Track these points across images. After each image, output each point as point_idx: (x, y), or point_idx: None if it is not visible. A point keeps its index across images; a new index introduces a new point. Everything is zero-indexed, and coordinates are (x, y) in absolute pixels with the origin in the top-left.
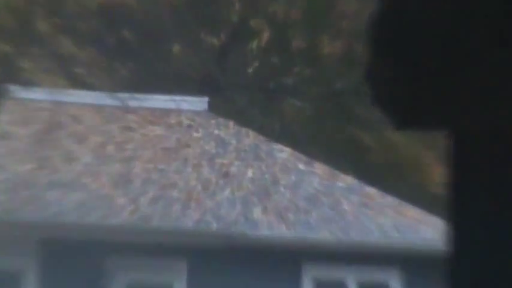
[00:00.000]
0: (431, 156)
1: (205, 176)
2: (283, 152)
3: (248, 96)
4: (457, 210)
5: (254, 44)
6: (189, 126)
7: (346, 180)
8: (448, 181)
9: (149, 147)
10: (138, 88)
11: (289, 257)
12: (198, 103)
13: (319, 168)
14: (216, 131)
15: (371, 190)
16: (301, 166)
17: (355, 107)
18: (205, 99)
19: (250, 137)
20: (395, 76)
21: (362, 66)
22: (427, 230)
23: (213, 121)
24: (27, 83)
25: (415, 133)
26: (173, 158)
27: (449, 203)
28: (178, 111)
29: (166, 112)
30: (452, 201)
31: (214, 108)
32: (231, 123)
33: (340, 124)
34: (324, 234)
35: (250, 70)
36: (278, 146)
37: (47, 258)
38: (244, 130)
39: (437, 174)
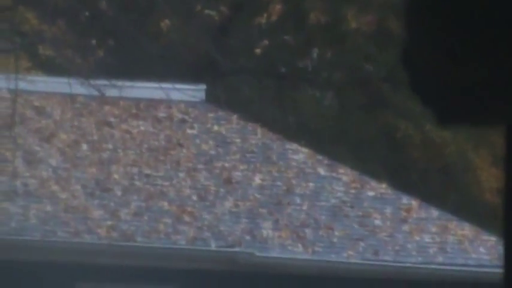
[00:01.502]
0: (483, 156)
1: (202, 183)
2: (299, 153)
3: (255, 84)
4: None
5: (263, 19)
6: (182, 120)
7: (378, 189)
8: (503, 186)
9: (132, 147)
10: (118, 73)
11: (307, 284)
12: (193, 92)
13: (344, 173)
14: (215, 127)
15: (409, 201)
16: (321, 171)
17: (388, 96)
18: (202, 87)
19: (258, 135)
20: (440, 61)
21: (398, 46)
22: (479, 251)
23: (211, 114)
24: None
25: (463, 129)
26: (162, 160)
27: (504, 213)
28: (169, 103)
29: (154, 103)
30: (508, 211)
31: (213, 99)
32: (234, 118)
33: (370, 118)
34: (350, 256)
35: (257, 51)
36: (293, 146)
37: (4, 284)
38: (250, 126)
39: (491, 178)
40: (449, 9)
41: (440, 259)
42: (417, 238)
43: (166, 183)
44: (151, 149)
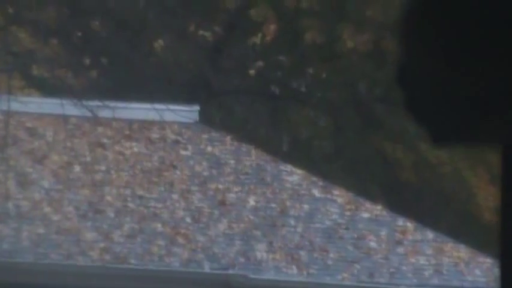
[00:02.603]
0: (480, 175)
1: (196, 205)
2: (294, 175)
3: (249, 105)
4: (510, 239)
5: (257, 39)
6: (176, 142)
7: (373, 210)
8: (499, 205)
9: (125, 169)
10: (111, 94)
11: None
12: (186, 113)
13: (339, 194)
14: (209, 148)
15: (405, 222)
16: (316, 192)
17: (384, 116)
18: (196, 108)
19: (252, 156)
20: (435, 79)
21: (393, 65)
22: (475, 274)
23: (205, 135)
24: None
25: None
26: (155, 182)
27: (500, 233)
28: (162, 124)
29: (147, 124)
30: (504, 230)
31: (207, 120)
32: (228, 139)
33: (366, 138)
34: (345, 279)
35: (252, 71)
36: (287, 167)
37: None
38: (244, 147)
39: (489, 197)
40: (444, 27)
41: (435, 281)
42: (412, 260)
43: (160, 205)
44: (145, 171)
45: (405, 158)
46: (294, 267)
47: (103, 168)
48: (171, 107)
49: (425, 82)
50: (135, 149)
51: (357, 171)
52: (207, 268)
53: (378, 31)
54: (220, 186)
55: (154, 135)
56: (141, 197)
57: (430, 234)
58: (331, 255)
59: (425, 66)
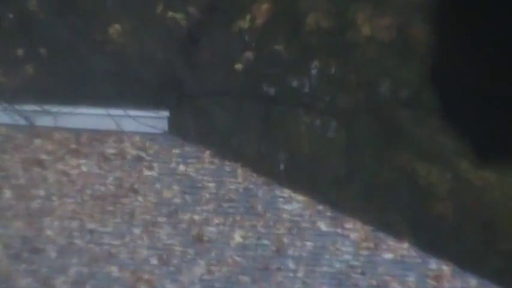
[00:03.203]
0: None
1: (164, 242)
2: (293, 202)
3: (235, 110)
4: None
5: (245, 22)
6: (137, 158)
7: (397, 249)
8: None
9: (71, 194)
10: (53, 96)
11: None
12: (152, 121)
13: (353, 228)
14: (181, 167)
15: (439, 265)
16: (322, 225)
17: (412, 127)
18: (164, 114)
19: (238, 178)
20: (483, 79)
21: (423, 59)
22: None
23: (176, 150)
24: None
25: (508, 168)
26: (110, 211)
27: None
28: (120, 135)
29: (100, 136)
30: None
31: (178, 130)
32: (207, 155)
33: (388, 156)
34: None
35: (238, 66)
36: (284, 192)
37: None
38: (228, 165)
39: None
40: (497, 7)
41: None
42: None
43: (117, 242)
44: (97, 197)
45: (440, 182)
46: None
47: (41, 193)
48: (132, 112)
49: (467, 83)
50: (84, 168)
51: (376, 198)
52: None
53: (402, 13)
54: (196, 217)
55: (110, 150)
56: (91, 231)
57: (472, 281)
58: None
59: (468, 61)
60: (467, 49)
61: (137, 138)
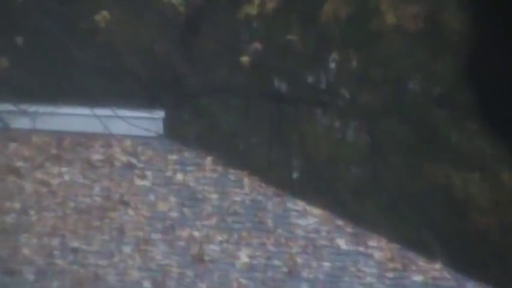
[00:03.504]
0: None
1: (159, 262)
2: (309, 216)
3: (241, 109)
4: None
5: (253, 9)
6: (128, 166)
7: (429, 271)
8: None
9: (51, 207)
10: (31, 94)
11: None
12: (145, 122)
13: (377, 246)
14: (179, 176)
15: None
16: (342, 243)
17: (446, 129)
18: (160, 114)
19: (244, 187)
20: None
21: (458, 53)
22: None
23: (173, 156)
24: None
25: None
26: (97, 227)
27: None
28: (108, 139)
29: (86, 140)
30: None
31: (176, 133)
32: (208, 161)
33: (419, 163)
34: None
35: (245, 59)
36: (298, 205)
37: None
38: (233, 174)
39: None
40: None
41: None
42: None
43: (104, 262)
44: (81, 210)
45: (480, 193)
46: None
47: (17, 206)
48: (121, 113)
49: (508, 79)
50: (67, 177)
51: (404, 211)
52: None
53: (433, 1)
54: (196, 234)
55: (96, 156)
56: (75, 250)
57: None
58: None
59: (508, 55)
60: (509, 39)
61: (128, 142)
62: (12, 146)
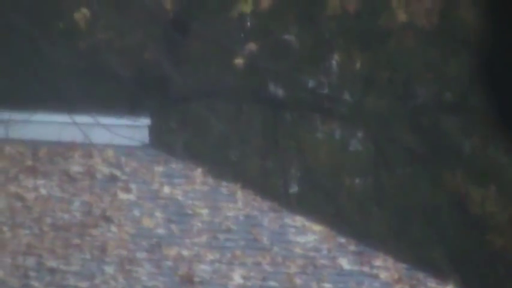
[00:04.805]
0: None
1: (145, 284)
2: (308, 233)
3: (235, 116)
4: None
5: (246, 5)
6: (111, 178)
7: None
8: None
9: (26, 224)
10: (3, 99)
11: None
12: (129, 131)
13: (384, 266)
14: (166, 189)
15: None
16: (344, 262)
17: (460, 137)
18: (145, 121)
19: (238, 202)
20: None
21: (472, 53)
22: None
23: (159, 168)
24: None
25: None
26: (77, 245)
27: None
28: (88, 148)
29: (64, 150)
30: None
31: (162, 142)
32: (198, 173)
33: (426, 172)
34: None
35: (238, 61)
36: (297, 221)
37: None
38: (225, 186)
39: None
40: None
41: None
42: None
43: (84, 284)
44: (59, 227)
45: (499, 209)
46: None
47: None
48: (103, 120)
49: None
50: (43, 191)
51: (412, 228)
52: None
53: None
54: (185, 253)
55: (76, 168)
56: (52, 271)
57: None
58: None
59: None
60: None
61: (110, 152)
62: None
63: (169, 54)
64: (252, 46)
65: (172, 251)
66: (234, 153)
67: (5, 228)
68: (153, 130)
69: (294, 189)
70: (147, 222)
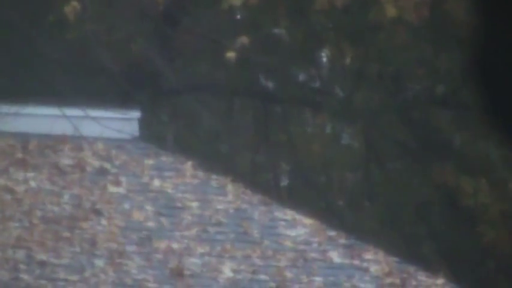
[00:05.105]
0: None
1: (135, 277)
2: (299, 227)
3: (225, 109)
4: None
5: (237, 0)
6: (101, 171)
7: (429, 286)
8: None
9: (16, 217)
10: None
11: None
12: (119, 123)
13: (374, 259)
14: (156, 182)
15: None
16: (335, 256)
17: (451, 131)
18: (135, 114)
19: (228, 195)
20: None
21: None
22: None
23: (149, 161)
24: None
25: None
26: (66, 238)
27: None
28: (78, 141)
29: (53, 142)
30: None
31: (152, 135)
32: (189, 166)
33: (420, 168)
34: None
35: (230, 54)
36: (287, 214)
37: None
38: (215, 180)
39: None
40: None
41: None
42: None
43: (74, 277)
44: (49, 220)
45: (491, 202)
46: None
47: None
48: (93, 113)
49: None
50: (33, 184)
51: (403, 222)
52: None
53: None
54: (175, 246)
55: (66, 161)
56: (42, 264)
57: None
58: None
59: None
60: None
61: (100, 145)
62: None
63: (160, 47)
64: (243, 40)
65: (162, 244)
66: (224, 146)
67: None
68: (143, 123)
69: (284, 182)
70: (137, 215)
